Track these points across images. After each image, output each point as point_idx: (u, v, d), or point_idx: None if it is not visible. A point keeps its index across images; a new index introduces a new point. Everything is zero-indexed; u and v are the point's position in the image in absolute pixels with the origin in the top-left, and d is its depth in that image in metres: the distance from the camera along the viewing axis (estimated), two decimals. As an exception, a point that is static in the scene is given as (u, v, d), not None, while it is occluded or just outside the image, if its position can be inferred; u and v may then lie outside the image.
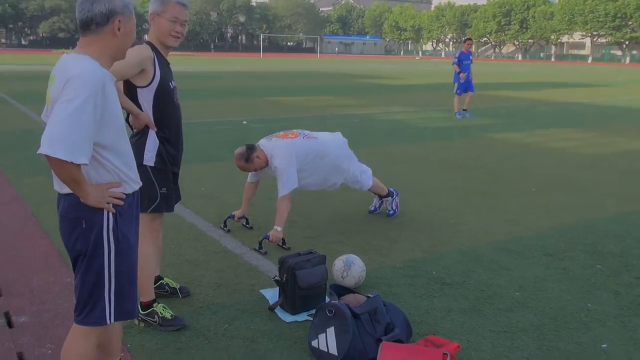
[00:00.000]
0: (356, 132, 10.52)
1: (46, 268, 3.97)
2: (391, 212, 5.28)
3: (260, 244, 4.34)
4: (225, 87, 20.30)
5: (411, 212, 5.40)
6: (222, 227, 4.89)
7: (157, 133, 3.07)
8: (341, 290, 3.40)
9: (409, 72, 35.94)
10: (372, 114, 13.41)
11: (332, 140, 4.83)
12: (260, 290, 3.69)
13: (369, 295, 3.18)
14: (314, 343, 2.95)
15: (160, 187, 3.14)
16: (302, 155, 4.54)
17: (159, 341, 3.04)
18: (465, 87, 13.11)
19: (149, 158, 3.07)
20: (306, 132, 4.76)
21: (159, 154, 3.09)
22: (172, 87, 3.12)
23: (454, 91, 13.19)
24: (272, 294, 3.60)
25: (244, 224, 4.98)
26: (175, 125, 3.16)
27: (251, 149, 4.52)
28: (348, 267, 3.72)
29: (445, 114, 13.48)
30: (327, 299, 3.48)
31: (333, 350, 2.87)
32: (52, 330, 3.10)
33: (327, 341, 2.90)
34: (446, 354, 2.71)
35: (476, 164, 7.85)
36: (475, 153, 8.64)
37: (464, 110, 13.09)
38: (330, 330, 2.91)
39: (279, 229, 4.36)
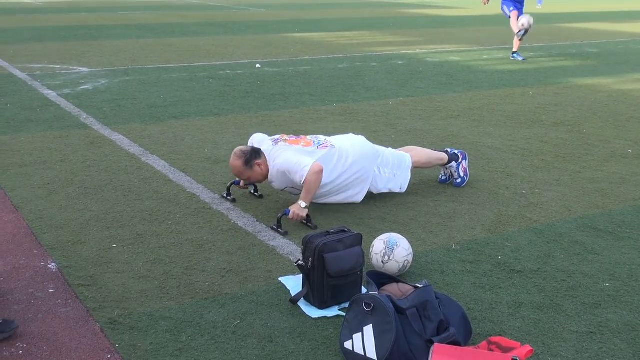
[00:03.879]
0: (399, 77, 10.43)
1: (14, 249, 4.04)
2: (459, 180, 5.26)
3: (279, 220, 4.36)
4: (232, 20, 20.24)
5: (471, 180, 5.35)
6: (225, 195, 4.93)
7: None
8: (382, 279, 3.39)
9: (467, -1, 35.34)
10: (420, 53, 13.25)
11: (353, 147, 4.79)
12: (280, 278, 3.71)
13: (417, 285, 3.17)
14: (347, 344, 2.97)
15: None
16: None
17: (154, 340, 3.09)
18: (517, 5, 12.70)
19: None
20: (321, 139, 4.76)
21: None
22: None
23: (507, 15, 12.77)
24: (294, 283, 3.62)
25: (252, 191, 5.02)
26: None
27: (257, 153, 4.59)
28: (390, 249, 3.72)
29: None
30: (364, 290, 3.49)
31: (371, 353, 2.88)
32: (23, 326, 3.17)
33: (364, 342, 2.91)
34: (515, 359, 2.70)
35: (554, 118, 7.73)
36: (554, 104, 8.50)
37: (514, 52, 12.64)
38: (368, 329, 2.92)
39: (303, 204, 4.36)
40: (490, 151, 6.29)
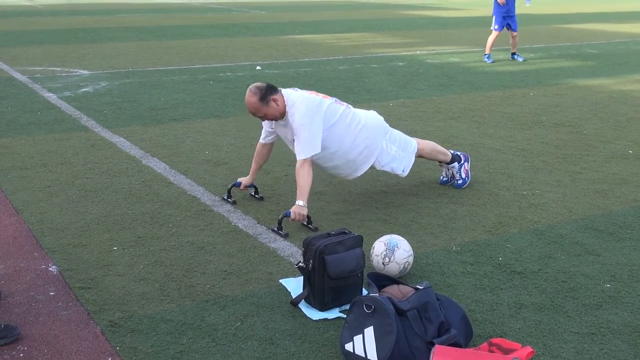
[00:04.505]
0: (400, 79, 10.43)
1: (15, 252, 4.04)
2: (460, 181, 5.25)
3: (279, 222, 4.36)
4: (233, 22, 20.25)
5: (471, 181, 5.35)
6: (226, 197, 4.93)
7: None
8: (382, 281, 3.40)
9: (469, 0, 35.32)
10: (421, 55, 13.25)
11: (366, 116, 4.82)
12: (280, 280, 3.71)
13: (418, 286, 3.17)
14: (348, 346, 2.96)
15: None
16: (331, 118, 4.53)
17: (155, 342, 3.09)
18: (507, 21, 12.34)
19: None
20: (338, 100, 4.76)
21: None
22: None
23: (492, 26, 12.50)
24: (294, 285, 3.62)
25: (252, 193, 5.02)
26: None
27: (272, 89, 4.50)
28: (391, 251, 3.72)
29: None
30: (365, 292, 3.49)
31: (372, 355, 2.87)
32: (23, 329, 3.17)
33: (365, 344, 2.91)
34: (516, 361, 2.70)
35: (555, 119, 7.72)
36: (554, 105, 8.50)
37: (512, 54, 12.57)
38: (369, 331, 2.91)
39: (301, 203, 4.36)
40: (491, 152, 6.28)
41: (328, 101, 4.62)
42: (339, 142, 4.61)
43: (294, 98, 4.50)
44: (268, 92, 4.46)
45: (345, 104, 4.77)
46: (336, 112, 4.60)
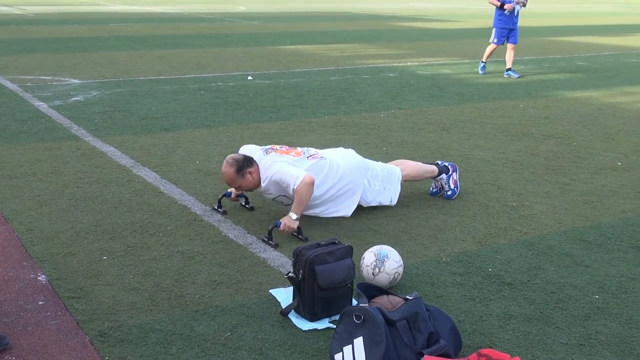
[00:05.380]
0: (390, 90, 10.47)
1: (4, 261, 4.03)
2: (449, 192, 5.27)
3: (269, 233, 4.36)
4: (224, 32, 20.28)
5: (461, 192, 5.37)
6: (216, 207, 4.94)
7: None
8: (372, 291, 3.40)
9: (461, 12, 35.52)
10: (411, 66, 13.30)
11: (344, 160, 4.83)
12: (270, 291, 3.71)
13: (408, 297, 3.18)
14: (338, 357, 2.96)
15: None
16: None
17: (144, 353, 3.08)
18: (507, 33, 12.13)
19: None
20: (312, 151, 4.80)
21: None
22: None
23: (490, 39, 12.28)
24: (284, 295, 3.62)
25: (243, 203, 5.03)
26: None
27: (249, 161, 4.59)
28: (381, 261, 3.73)
29: (504, 67, 13.31)
30: (355, 302, 3.49)
31: (362, 366, 2.87)
32: (12, 338, 3.15)
33: (355, 354, 2.91)
34: (505, 372, 2.70)
35: (544, 130, 7.77)
36: (544, 117, 8.55)
37: (508, 69, 12.19)
38: (358, 341, 2.91)
39: (294, 216, 4.37)
40: (481, 163, 6.31)
41: (300, 158, 4.64)
42: (320, 193, 4.64)
43: (267, 162, 4.57)
44: (245, 164, 4.55)
45: (318, 155, 4.76)
46: (310, 166, 4.60)
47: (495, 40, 12.20)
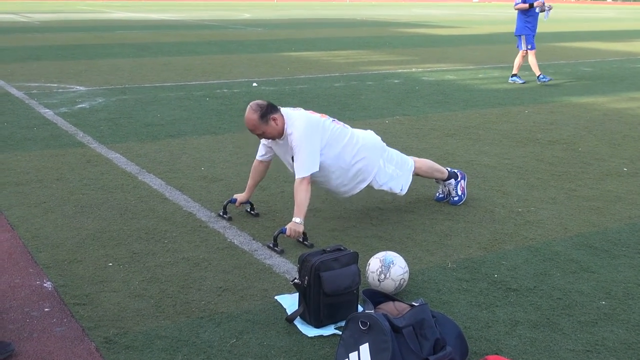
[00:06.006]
0: (395, 96, 10.47)
1: (10, 268, 4.03)
2: (456, 198, 5.26)
3: (275, 239, 4.36)
4: (230, 39, 20.33)
5: (467, 198, 5.36)
6: (221, 213, 4.93)
7: None
8: (378, 297, 3.40)
9: (464, 18, 35.56)
10: (416, 72, 13.31)
11: (364, 136, 4.85)
12: (276, 297, 3.71)
13: (413, 303, 3.17)
14: (344, 363, 2.96)
15: None
16: (329, 137, 4.57)
17: (150, 359, 3.08)
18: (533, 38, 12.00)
19: None
20: (335, 120, 4.80)
21: None
22: None
23: (521, 47, 11.95)
24: (290, 302, 3.62)
25: (248, 210, 5.03)
26: None
27: (272, 107, 4.53)
28: (386, 267, 3.72)
29: (509, 73, 13.31)
30: (360, 308, 3.48)
31: (368, 372, 2.87)
32: (18, 345, 3.15)
33: (361, 361, 2.90)
34: (512, 378, 2.69)
35: (550, 136, 7.75)
36: (549, 123, 8.53)
37: (513, 75, 12.10)
38: (364, 348, 2.91)
39: (298, 220, 4.37)
40: (486, 169, 6.30)
41: (326, 120, 4.64)
42: (336, 160, 4.63)
43: (293, 117, 4.52)
44: (269, 110, 4.48)
45: (342, 123, 4.80)
46: (334, 131, 4.62)
47: (529, 47, 11.86)
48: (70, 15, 33.38)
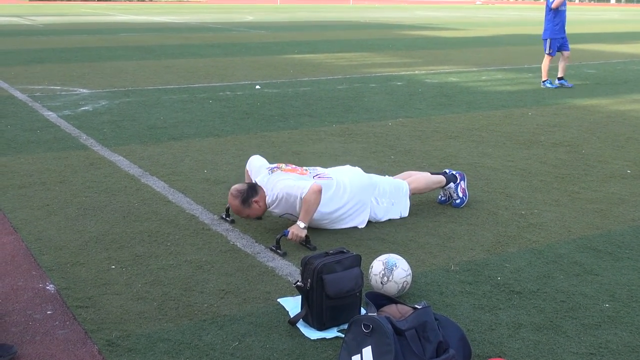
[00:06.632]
0: (398, 98, 10.47)
1: (13, 270, 4.04)
2: (458, 200, 5.26)
3: (277, 242, 4.36)
4: (233, 41, 20.35)
5: (470, 201, 5.35)
6: (224, 216, 4.94)
7: None
8: (381, 300, 3.39)
9: (467, 20, 35.55)
10: (419, 74, 13.31)
11: (350, 180, 4.84)
12: (278, 300, 3.70)
13: (416, 306, 3.17)
14: (347, 366, 2.95)
15: None
16: None
17: (153, 362, 3.08)
18: (561, 41, 11.78)
19: None
20: (318, 170, 4.84)
21: None
22: None
23: (546, 50, 11.84)
24: (293, 304, 3.61)
25: None
26: None
27: (253, 190, 4.60)
28: (389, 270, 3.71)
29: (512, 75, 13.33)
30: (363, 311, 3.48)
31: (370, 375, 2.86)
32: (20, 348, 3.16)
33: (363, 364, 2.90)
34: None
35: (553, 138, 7.74)
36: (552, 125, 8.52)
37: (559, 79, 11.88)
38: (367, 351, 2.90)
39: (302, 225, 4.37)
40: (489, 172, 6.29)
41: (306, 176, 4.67)
42: (327, 213, 4.65)
43: (271, 182, 4.61)
44: (249, 194, 4.57)
45: (325, 174, 4.78)
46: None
47: (550, 52, 11.72)
48: (74, 18, 33.46)
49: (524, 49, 19.24)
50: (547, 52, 11.82)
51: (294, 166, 4.85)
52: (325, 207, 4.60)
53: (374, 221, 4.91)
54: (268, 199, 4.60)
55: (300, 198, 4.40)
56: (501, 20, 36.86)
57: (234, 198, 4.58)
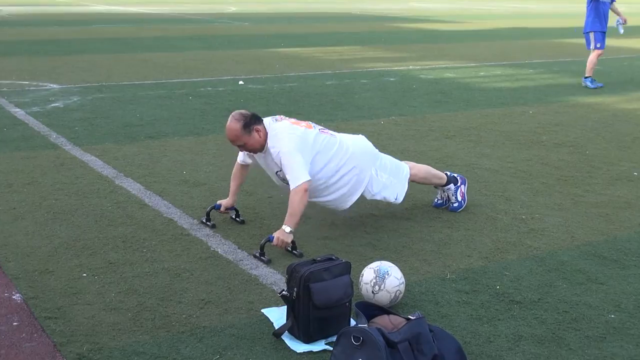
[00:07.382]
0: (391, 95, 10.49)
1: (-24, 278, 4.01)
2: (455, 204, 5.27)
3: (261, 248, 4.35)
4: (214, 34, 20.33)
5: (467, 204, 5.36)
6: (204, 220, 4.93)
7: None
8: (372, 310, 3.39)
9: (464, 12, 35.70)
10: (414, 70, 13.34)
11: (354, 143, 4.85)
12: (262, 310, 3.69)
13: (410, 317, 3.17)
14: (335, 381, 2.95)
15: None
16: (315, 148, 4.56)
17: (127, 377, 3.07)
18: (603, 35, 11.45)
19: None
20: (322, 128, 4.81)
21: None
22: None
23: (589, 46, 11.56)
24: (278, 315, 3.61)
25: (233, 217, 5.02)
26: None
27: (257, 118, 4.56)
28: (381, 278, 3.71)
29: (512, 71, 13.39)
30: (353, 322, 3.48)
31: (361, 391, 2.86)
32: (-16, 362, 3.14)
33: (353, 379, 2.89)
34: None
35: (555, 138, 7.78)
36: (555, 124, 8.56)
37: (587, 77, 11.62)
38: (357, 365, 2.90)
39: (287, 229, 4.36)
40: (488, 173, 6.31)
41: (312, 131, 4.64)
42: (325, 172, 4.63)
43: (277, 131, 4.54)
44: (252, 121, 4.51)
45: (329, 132, 4.80)
46: (321, 142, 4.62)
47: (599, 45, 11.50)
48: (44, 8, 33.33)
49: (524, 43, 19.35)
50: (590, 47, 11.56)
51: (295, 120, 4.77)
52: (325, 169, 4.59)
53: (368, 196, 4.89)
54: (268, 145, 4.52)
55: (290, 186, 4.38)
56: (500, 12, 37.05)
57: (235, 121, 4.47)
